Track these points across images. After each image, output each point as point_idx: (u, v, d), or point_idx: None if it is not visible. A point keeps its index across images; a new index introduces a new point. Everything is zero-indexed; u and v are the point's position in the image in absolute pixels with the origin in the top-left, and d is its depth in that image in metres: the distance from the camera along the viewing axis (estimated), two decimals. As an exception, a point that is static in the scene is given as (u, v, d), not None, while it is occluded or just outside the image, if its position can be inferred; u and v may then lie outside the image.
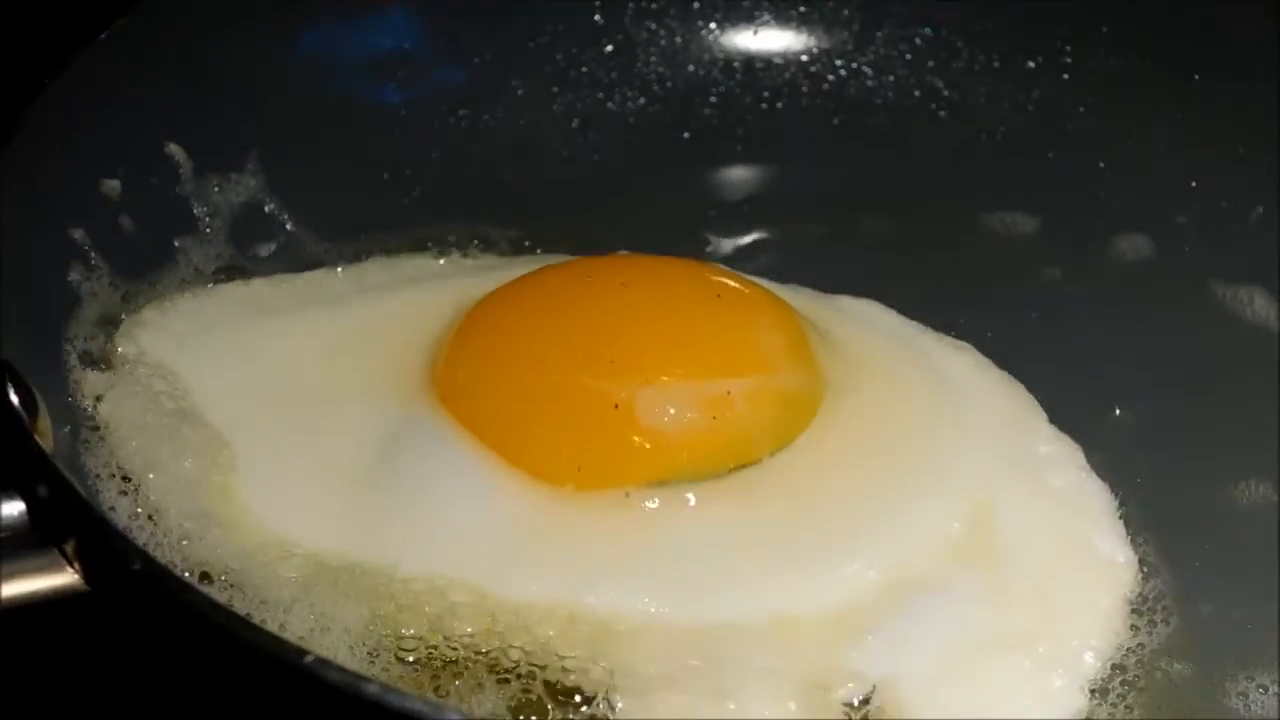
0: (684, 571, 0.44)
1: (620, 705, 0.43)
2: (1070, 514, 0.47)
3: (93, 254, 0.51)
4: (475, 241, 0.56)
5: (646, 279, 0.49)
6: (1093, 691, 0.44)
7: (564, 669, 0.44)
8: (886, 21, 0.61)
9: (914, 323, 0.52)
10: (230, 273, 0.54)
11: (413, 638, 0.44)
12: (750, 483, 0.46)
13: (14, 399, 0.43)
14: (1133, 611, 0.45)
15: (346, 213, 0.56)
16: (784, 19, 0.61)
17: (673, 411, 0.45)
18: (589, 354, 0.46)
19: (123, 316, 0.51)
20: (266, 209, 0.56)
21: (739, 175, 0.60)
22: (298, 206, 0.56)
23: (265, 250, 0.55)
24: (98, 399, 0.48)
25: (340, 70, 0.58)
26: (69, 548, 0.41)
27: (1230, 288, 0.55)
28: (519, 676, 0.44)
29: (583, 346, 0.47)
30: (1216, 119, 0.58)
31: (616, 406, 0.45)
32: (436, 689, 0.43)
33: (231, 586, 0.45)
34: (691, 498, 0.45)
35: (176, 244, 0.54)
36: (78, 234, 0.51)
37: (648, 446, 0.45)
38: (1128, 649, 0.45)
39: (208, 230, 0.54)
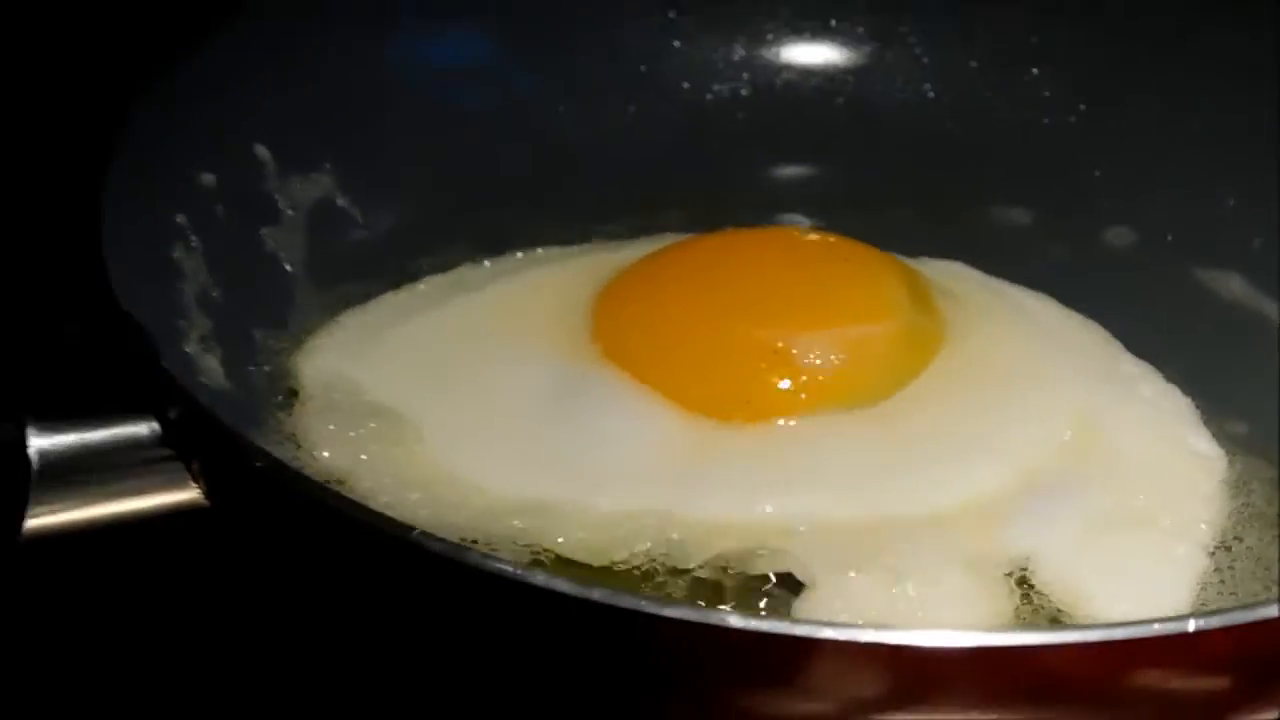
0: (847, 479, 0.51)
1: (812, 585, 0.48)
2: (1162, 416, 0.55)
3: (192, 236, 0.56)
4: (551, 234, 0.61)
5: (784, 244, 0.58)
6: (1210, 553, 0.50)
7: (748, 565, 0.49)
8: (897, 37, 0.67)
9: (994, 278, 0.59)
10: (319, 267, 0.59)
11: (601, 556, 0.49)
12: (891, 409, 0.53)
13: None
14: (1229, 491, 0.52)
15: (422, 210, 0.62)
16: (812, 35, 0.67)
17: (824, 352, 0.53)
18: (750, 307, 0.54)
19: (213, 294, 0.56)
20: (339, 203, 0.61)
21: (782, 172, 0.66)
22: (375, 206, 0.61)
23: (341, 242, 0.61)
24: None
25: (422, 78, 0.63)
26: (195, 465, 0.46)
27: (1208, 272, 0.61)
28: (705, 579, 0.49)
29: (743, 301, 0.54)
30: (1198, 123, 0.64)
31: (777, 350, 0.52)
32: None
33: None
34: (843, 423, 0.52)
35: (263, 232, 0.59)
36: (180, 218, 0.56)
37: (804, 382, 0.52)
38: (1232, 519, 0.51)
39: (289, 221, 0.60)
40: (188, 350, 0.53)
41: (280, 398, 0.54)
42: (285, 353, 0.56)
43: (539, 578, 0.39)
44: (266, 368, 0.56)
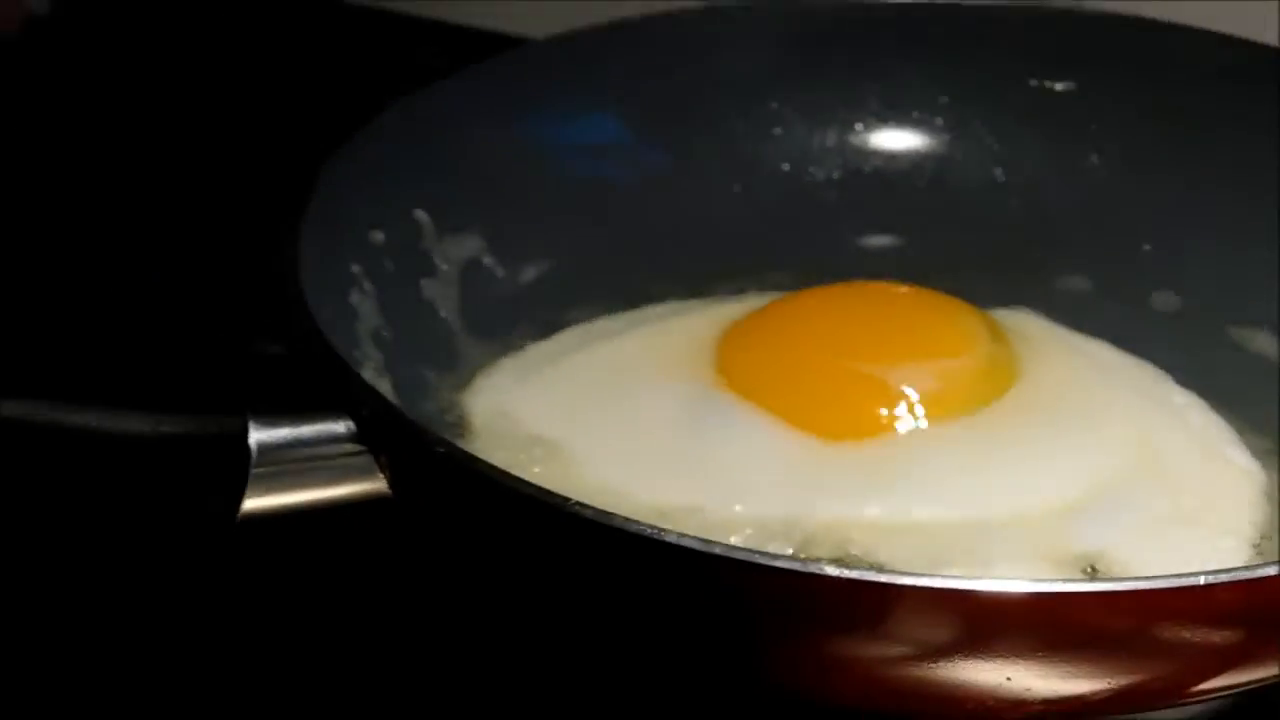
0: (938, 485, 0.59)
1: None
2: (1209, 438, 0.63)
3: (365, 283, 0.65)
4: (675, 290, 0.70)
5: (878, 295, 0.67)
6: (1254, 546, 0.59)
7: (863, 558, 0.57)
8: (971, 128, 0.76)
9: (1054, 324, 0.67)
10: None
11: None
12: (974, 427, 0.61)
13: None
14: (1267, 497, 0.61)
15: (558, 270, 0.71)
16: (896, 124, 0.76)
17: (913, 382, 0.62)
18: (853, 345, 0.64)
19: (384, 333, 0.65)
20: (485, 261, 0.70)
21: (869, 242, 0.75)
22: (517, 265, 0.70)
23: (487, 294, 0.70)
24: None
25: (559, 155, 0.72)
26: (383, 458, 0.56)
27: (1241, 329, 0.69)
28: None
29: (846, 340, 0.64)
30: (1232, 200, 0.72)
31: (876, 381, 0.62)
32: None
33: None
34: (933, 439, 0.61)
35: (422, 283, 0.68)
36: (355, 268, 0.65)
37: (899, 406, 0.61)
38: (1271, 520, 0.60)
39: (444, 275, 0.69)
40: (365, 376, 0.62)
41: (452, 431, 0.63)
42: (454, 390, 0.65)
43: (672, 536, 0.49)
44: (439, 405, 0.64)
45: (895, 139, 0.76)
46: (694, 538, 0.48)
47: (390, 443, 0.55)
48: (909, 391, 0.61)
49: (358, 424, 0.55)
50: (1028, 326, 0.67)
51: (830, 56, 0.75)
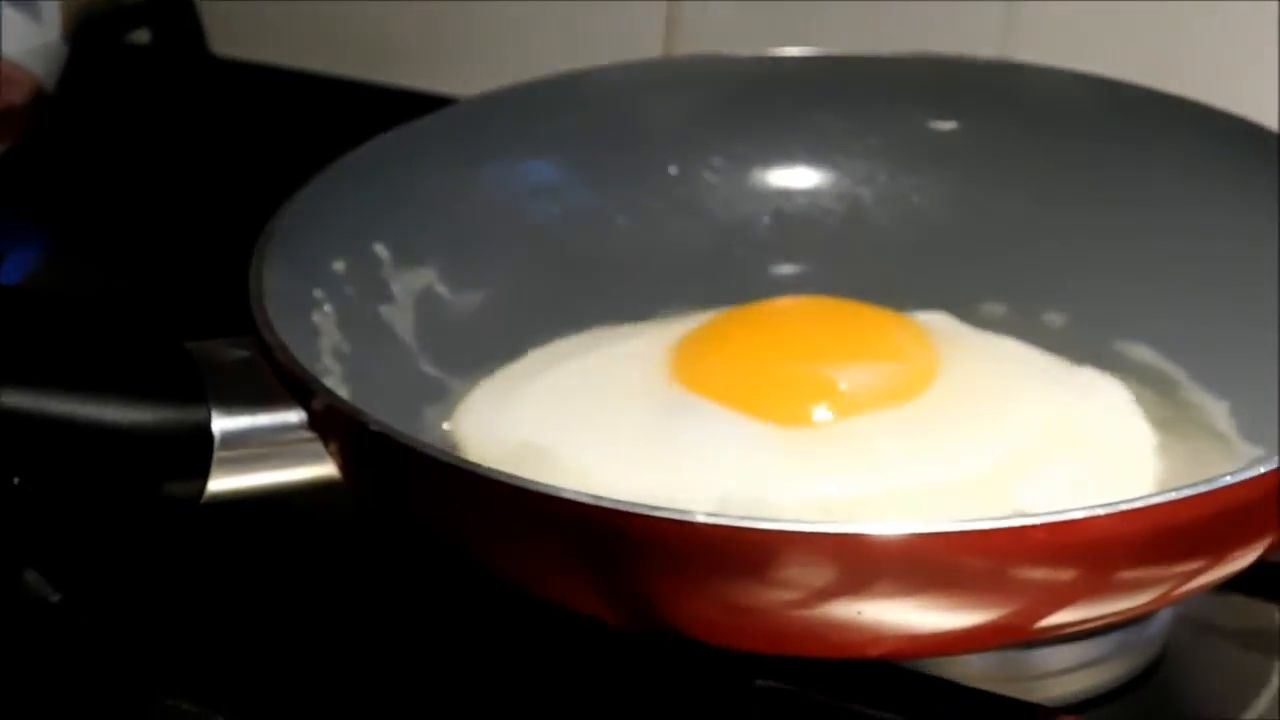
0: (885, 458, 0.66)
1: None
2: (1115, 408, 0.70)
3: (327, 306, 0.70)
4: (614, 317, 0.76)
5: (812, 306, 0.75)
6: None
7: None
8: (888, 171, 0.81)
9: (966, 324, 0.74)
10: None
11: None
12: (909, 413, 0.68)
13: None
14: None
15: (507, 299, 0.77)
16: (818, 168, 0.82)
17: (856, 375, 0.69)
18: (797, 346, 0.71)
19: (344, 349, 0.72)
20: (438, 290, 0.75)
21: (792, 272, 0.80)
22: (468, 294, 0.76)
23: (441, 320, 0.77)
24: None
25: (507, 197, 0.78)
26: (333, 445, 0.62)
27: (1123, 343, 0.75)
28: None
29: (791, 342, 0.71)
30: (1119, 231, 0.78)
31: (822, 377, 0.69)
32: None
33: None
34: (875, 423, 0.67)
35: (380, 309, 0.73)
36: (318, 292, 0.70)
37: (843, 397, 0.68)
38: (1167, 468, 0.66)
39: (401, 301, 0.75)
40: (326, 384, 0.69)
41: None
42: (440, 419, 0.71)
43: (556, 489, 0.54)
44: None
45: (813, 179, 0.81)
46: (588, 494, 0.55)
47: (336, 428, 0.62)
48: (852, 384, 0.68)
49: (309, 414, 0.62)
50: (944, 327, 0.74)
51: (750, 105, 0.80)
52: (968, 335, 0.74)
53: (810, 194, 0.81)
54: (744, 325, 0.73)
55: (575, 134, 0.79)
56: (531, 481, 0.55)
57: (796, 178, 0.81)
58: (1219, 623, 0.68)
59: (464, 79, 0.95)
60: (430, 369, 0.73)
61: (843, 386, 0.68)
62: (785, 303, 0.75)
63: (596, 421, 0.68)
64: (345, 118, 0.96)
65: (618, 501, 0.54)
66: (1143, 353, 0.75)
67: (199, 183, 0.95)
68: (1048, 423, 0.68)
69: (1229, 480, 0.54)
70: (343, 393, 0.67)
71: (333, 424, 0.60)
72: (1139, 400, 0.71)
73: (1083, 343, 0.75)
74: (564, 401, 0.70)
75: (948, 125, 0.80)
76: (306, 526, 0.68)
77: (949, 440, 0.67)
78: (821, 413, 0.68)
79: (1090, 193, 0.78)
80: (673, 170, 0.81)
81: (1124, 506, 0.53)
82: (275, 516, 0.64)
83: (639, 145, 0.80)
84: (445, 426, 0.71)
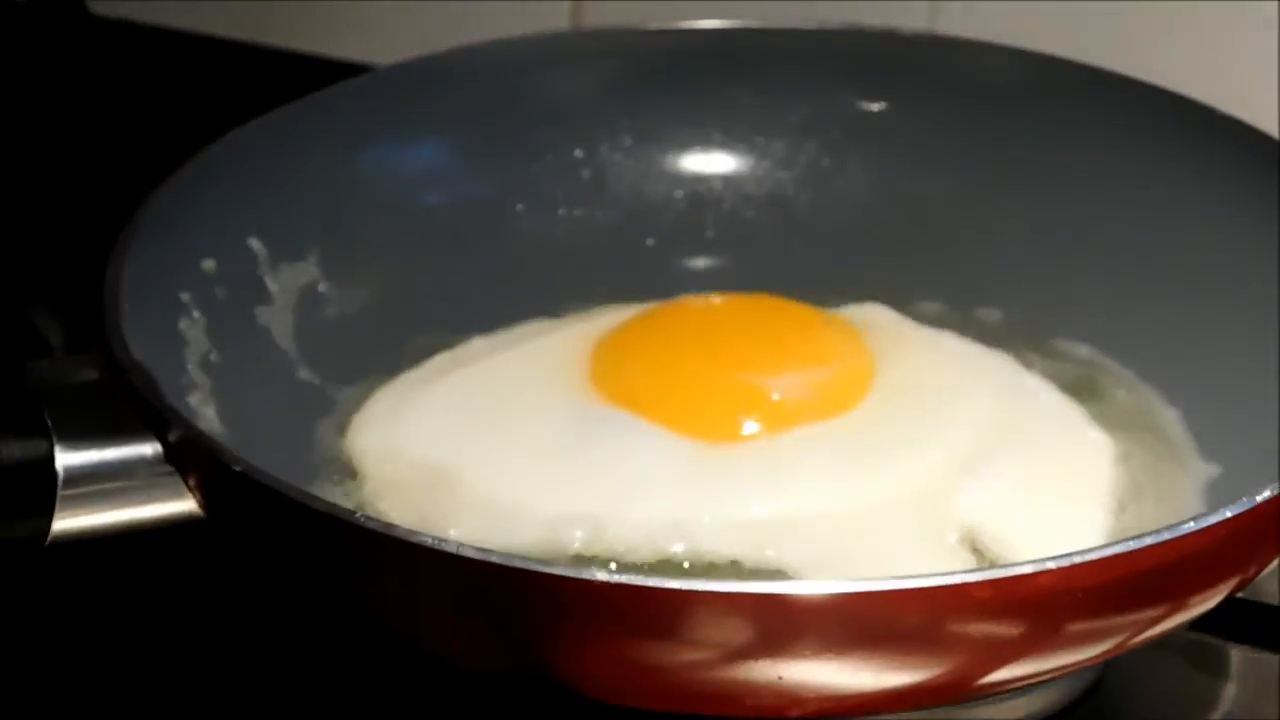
0: (819, 476, 0.61)
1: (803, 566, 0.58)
2: (1062, 413, 0.65)
3: (195, 311, 0.64)
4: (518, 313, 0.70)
5: (737, 305, 0.69)
6: (1114, 516, 0.61)
7: (755, 554, 0.59)
8: (811, 155, 0.76)
9: (904, 316, 0.68)
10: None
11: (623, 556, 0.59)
12: (845, 424, 0.63)
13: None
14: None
15: (395, 295, 0.71)
16: (736, 152, 0.76)
17: (785, 385, 0.64)
18: (724, 352, 0.65)
19: (213, 359, 0.65)
20: (320, 288, 0.69)
21: (708, 263, 0.75)
22: (353, 291, 0.70)
23: (323, 321, 0.71)
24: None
25: (392, 184, 0.72)
26: (192, 480, 0.57)
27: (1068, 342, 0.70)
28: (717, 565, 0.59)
29: (717, 347, 0.66)
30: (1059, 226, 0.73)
31: (751, 386, 0.64)
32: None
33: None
34: (808, 437, 0.62)
35: (255, 311, 0.67)
36: (184, 296, 0.64)
37: (773, 408, 0.63)
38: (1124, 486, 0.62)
39: (280, 301, 0.69)
40: (190, 401, 0.63)
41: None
42: (335, 434, 0.65)
43: (451, 546, 0.50)
44: (324, 454, 0.64)
45: (730, 162, 0.76)
46: (473, 547, 0.49)
47: (196, 464, 0.56)
48: (779, 396, 0.63)
49: (164, 446, 0.56)
50: (879, 318, 0.68)
51: (662, 81, 0.75)
52: (906, 330, 0.68)
53: (727, 178, 0.76)
54: (666, 329, 0.66)
55: (468, 113, 0.73)
56: (416, 534, 0.49)
57: (712, 161, 0.76)
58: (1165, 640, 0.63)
59: (355, 45, 0.89)
60: (312, 377, 0.67)
61: (774, 398, 0.63)
62: (710, 302, 0.69)
63: (506, 436, 0.62)
64: (232, 83, 0.90)
65: (509, 558, 0.48)
66: (1082, 351, 0.70)
67: (68, 158, 0.87)
68: (992, 426, 0.63)
69: (1191, 527, 0.49)
70: (211, 410, 0.61)
71: (192, 459, 0.54)
72: (1079, 399, 0.66)
73: (1021, 339, 0.70)
74: (470, 414, 0.64)
75: (875, 105, 0.74)
76: (165, 566, 0.61)
77: (886, 451, 0.62)
78: (751, 427, 0.62)
79: (1030, 177, 0.72)
80: (577, 153, 0.75)
81: (1076, 559, 0.48)
82: (130, 555, 0.57)
83: (539, 125, 0.74)
84: (343, 442, 0.64)
